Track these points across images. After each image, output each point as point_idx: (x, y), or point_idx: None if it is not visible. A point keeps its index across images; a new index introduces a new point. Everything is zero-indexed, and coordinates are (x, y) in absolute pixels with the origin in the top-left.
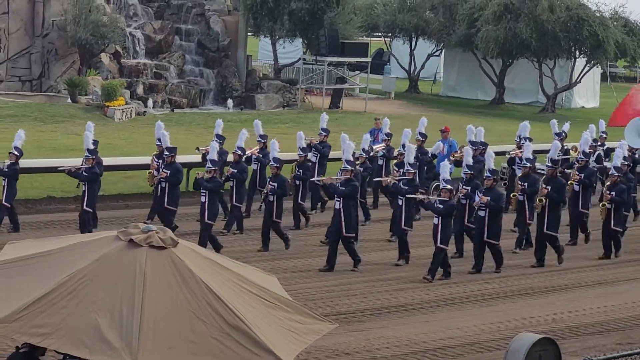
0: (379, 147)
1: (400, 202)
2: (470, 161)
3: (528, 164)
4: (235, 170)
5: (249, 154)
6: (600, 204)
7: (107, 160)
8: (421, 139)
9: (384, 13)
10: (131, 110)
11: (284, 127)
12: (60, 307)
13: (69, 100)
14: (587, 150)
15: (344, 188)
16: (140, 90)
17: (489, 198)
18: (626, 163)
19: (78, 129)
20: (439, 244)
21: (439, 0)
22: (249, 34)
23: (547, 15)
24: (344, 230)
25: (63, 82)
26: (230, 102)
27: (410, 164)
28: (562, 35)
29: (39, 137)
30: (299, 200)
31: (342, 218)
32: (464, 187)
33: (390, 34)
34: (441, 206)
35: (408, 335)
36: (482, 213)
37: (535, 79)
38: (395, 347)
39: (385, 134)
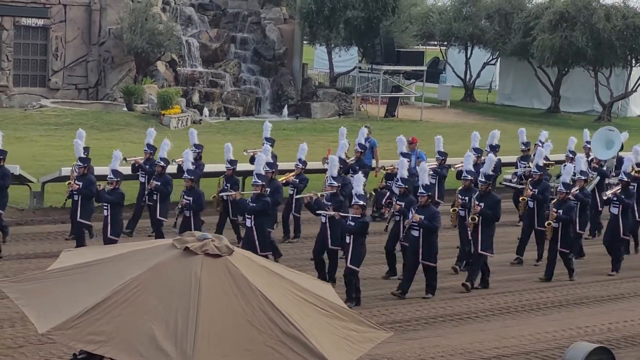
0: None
1: (323, 219)
2: (406, 174)
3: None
4: (159, 183)
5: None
6: (546, 223)
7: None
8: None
9: (440, 21)
10: (187, 119)
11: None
12: (116, 315)
13: (125, 108)
14: (541, 164)
15: (254, 204)
16: (196, 98)
17: (422, 217)
18: (583, 178)
19: (134, 137)
20: (348, 264)
21: (494, 8)
22: (304, 42)
23: (603, 24)
24: (258, 249)
25: (119, 90)
26: (285, 110)
27: (333, 178)
28: (618, 44)
29: (95, 145)
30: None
31: (255, 237)
32: (397, 202)
33: (445, 43)
34: (352, 223)
35: (463, 344)
36: (415, 233)
37: (590, 88)
38: (450, 356)
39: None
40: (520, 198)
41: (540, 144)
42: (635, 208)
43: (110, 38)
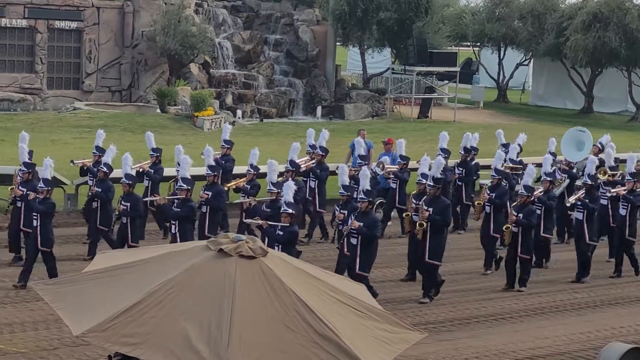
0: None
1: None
2: (347, 181)
3: (549, 178)
4: (100, 190)
5: (138, 169)
6: (504, 227)
7: (194, 170)
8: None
9: (473, 22)
10: (220, 120)
11: (372, 136)
12: (150, 316)
13: (158, 111)
14: (500, 168)
15: (179, 209)
16: (229, 100)
17: (361, 224)
18: (549, 179)
19: (167, 139)
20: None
21: (527, 9)
22: (337, 43)
23: (637, 24)
24: None
25: (152, 93)
26: (319, 111)
27: (272, 184)
28: None
29: (128, 147)
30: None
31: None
32: (340, 211)
33: (478, 44)
34: (281, 233)
35: (497, 345)
36: (354, 241)
37: (624, 88)
38: (485, 356)
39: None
40: (476, 202)
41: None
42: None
43: (144, 40)
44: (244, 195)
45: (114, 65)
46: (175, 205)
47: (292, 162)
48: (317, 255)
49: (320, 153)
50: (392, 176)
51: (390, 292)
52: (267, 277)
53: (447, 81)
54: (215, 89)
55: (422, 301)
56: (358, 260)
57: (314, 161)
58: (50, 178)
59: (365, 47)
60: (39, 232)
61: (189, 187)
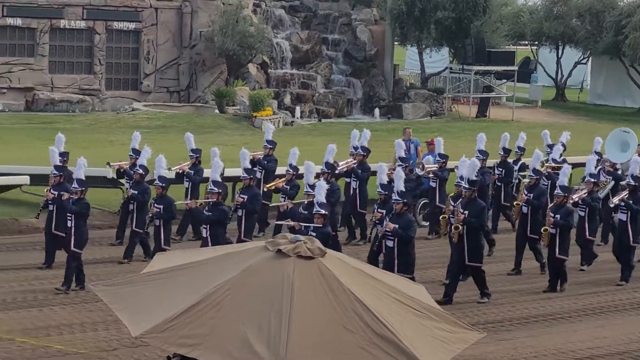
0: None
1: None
2: (385, 180)
3: (592, 179)
4: (136, 192)
5: (178, 170)
6: (542, 229)
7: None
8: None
9: (530, 21)
10: (279, 121)
11: (432, 136)
12: (208, 317)
13: (217, 111)
14: (538, 167)
15: (210, 213)
16: (287, 100)
17: (396, 226)
18: (592, 181)
19: (226, 140)
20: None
21: (585, 7)
22: (395, 43)
23: None
24: None
25: (211, 93)
26: (377, 111)
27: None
28: None
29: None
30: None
31: None
32: (378, 210)
33: (536, 42)
34: (314, 234)
35: (556, 345)
36: (390, 243)
37: None
38: (543, 356)
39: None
40: (515, 203)
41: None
42: None
43: (202, 41)
44: (283, 196)
45: (172, 65)
46: (207, 208)
47: (327, 164)
48: (362, 257)
49: (362, 153)
50: (431, 175)
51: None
52: (326, 278)
53: (505, 80)
54: (273, 89)
55: (480, 301)
56: (396, 262)
57: (355, 161)
58: (83, 178)
59: (423, 46)
60: (72, 233)
61: (220, 191)
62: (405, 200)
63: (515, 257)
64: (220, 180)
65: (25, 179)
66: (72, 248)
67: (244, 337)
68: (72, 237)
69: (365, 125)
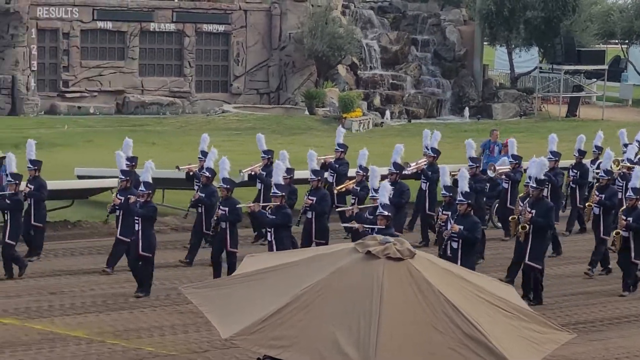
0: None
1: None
2: (448, 182)
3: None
4: (203, 195)
5: (250, 172)
6: (614, 232)
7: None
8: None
9: (621, 20)
10: (368, 122)
11: (520, 136)
12: (298, 319)
13: (307, 112)
14: (609, 168)
15: (274, 217)
16: (377, 101)
17: (461, 227)
18: None
19: (316, 141)
20: None
21: None
22: (484, 43)
23: None
24: None
25: (300, 95)
26: (467, 111)
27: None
28: None
29: (277, 149)
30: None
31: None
32: (443, 212)
33: (627, 41)
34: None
35: None
36: (455, 244)
37: None
38: (635, 357)
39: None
40: (587, 204)
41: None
42: None
43: (291, 42)
44: (354, 197)
45: (262, 67)
46: (270, 212)
47: (395, 164)
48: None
49: (432, 154)
50: (503, 177)
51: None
52: (415, 279)
53: (595, 79)
54: (363, 90)
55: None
56: (459, 263)
57: (425, 162)
58: (150, 181)
59: (513, 46)
60: (140, 236)
61: (284, 194)
62: (469, 202)
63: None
64: (282, 183)
65: (116, 182)
66: (141, 252)
67: (333, 338)
68: (140, 241)
69: (455, 126)
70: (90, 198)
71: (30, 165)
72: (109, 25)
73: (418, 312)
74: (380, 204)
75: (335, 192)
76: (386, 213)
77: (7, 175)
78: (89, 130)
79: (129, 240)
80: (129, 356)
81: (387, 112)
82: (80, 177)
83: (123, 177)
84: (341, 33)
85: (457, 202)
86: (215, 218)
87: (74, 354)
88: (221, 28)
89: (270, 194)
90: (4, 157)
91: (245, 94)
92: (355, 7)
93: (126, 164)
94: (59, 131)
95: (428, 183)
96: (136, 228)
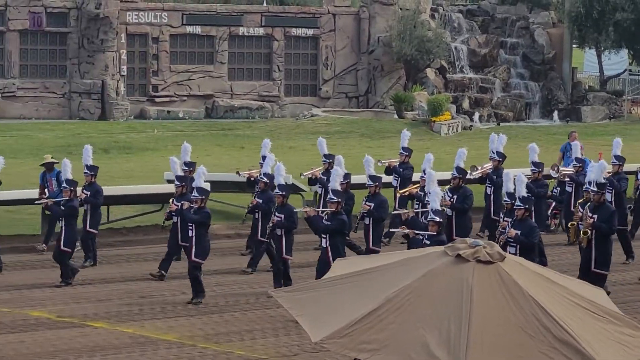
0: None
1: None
2: (511, 188)
3: None
4: (261, 200)
5: (310, 175)
6: None
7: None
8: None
9: None
10: (457, 125)
11: (609, 139)
12: (388, 322)
13: (395, 116)
14: None
15: (329, 222)
16: (465, 104)
17: (518, 232)
18: None
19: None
20: None
21: None
22: (573, 45)
23: None
24: None
25: (389, 98)
26: (555, 114)
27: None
28: None
29: (365, 152)
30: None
31: (330, 259)
32: (504, 219)
33: None
34: (428, 242)
35: None
36: (512, 250)
37: None
38: None
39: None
40: None
41: None
42: None
43: (380, 46)
44: (417, 202)
45: (351, 71)
46: (325, 218)
47: (458, 169)
48: None
49: (497, 158)
50: (567, 179)
51: (629, 295)
52: (505, 282)
53: None
54: (451, 94)
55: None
56: None
57: (491, 166)
58: (203, 186)
59: (602, 48)
60: (194, 243)
61: (339, 200)
62: (527, 206)
63: None
64: (339, 189)
65: (206, 186)
66: (194, 258)
67: (423, 342)
68: (194, 248)
69: (544, 129)
70: None
71: (87, 171)
72: (197, 29)
73: (508, 315)
74: (432, 209)
75: (398, 195)
76: (437, 219)
77: (55, 179)
78: (178, 135)
79: (266, 239)
80: None
81: (476, 115)
82: (169, 182)
83: (178, 183)
84: (430, 36)
85: (514, 206)
86: (271, 225)
87: (165, 358)
88: (310, 32)
89: (327, 200)
90: (53, 163)
91: (334, 97)
92: (443, 10)
93: (183, 169)
94: (148, 135)
95: (493, 187)
96: (190, 234)
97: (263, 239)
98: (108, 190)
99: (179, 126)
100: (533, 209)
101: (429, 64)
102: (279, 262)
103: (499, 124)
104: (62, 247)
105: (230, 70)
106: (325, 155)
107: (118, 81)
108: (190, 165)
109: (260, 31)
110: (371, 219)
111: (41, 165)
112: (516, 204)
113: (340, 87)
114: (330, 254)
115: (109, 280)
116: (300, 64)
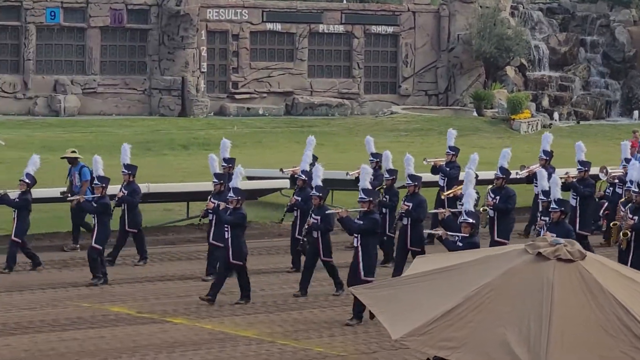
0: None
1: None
2: (546, 186)
3: None
4: (299, 199)
5: (351, 175)
6: None
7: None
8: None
9: None
10: (537, 123)
11: None
12: (468, 320)
13: (475, 114)
14: None
15: (361, 222)
16: (545, 102)
17: (553, 235)
18: None
19: (484, 142)
20: None
21: None
22: None
23: None
24: (361, 274)
25: (469, 96)
26: (636, 113)
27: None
28: None
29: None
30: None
31: (360, 259)
32: (541, 218)
33: None
34: (460, 244)
35: None
36: None
37: None
38: None
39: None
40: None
41: None
42: None
43: (459, 44)
44: (461, 203)
45: (430, 69)
46: (357, 217)
47: (501, 169)
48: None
49: (544, 157)
50: (616, 181)
51: None
52: (586, 281)
53: None
54: (531, 92)
55: None
56: None
57: (538, 166)
58: (239, 187)
59: None
60: (230, 244)
61: (371, 199)
62: (562, 209)
63: None
64: (370, 187)
65: (285, 183)
66: (231, 260)
67: (503, 340)
68: (230, 249)
69: (625, 127)
70: (260, 199)
71: (125, 170)
72: (278, 26)
73: (589, 314)
74: (465, 211)
75: (443, 196)
76: (470, 220)
77: (78, 173)
78: (257, 131)
79: (222, 245)
80: (298, 357)
81: (556, 114)
82: (249, 178)
83: (217, 181)
84: (509, 34)
85: (550, 209)
86: (307, 226)
87: (244, 354)
88: (390, 29)
89: (357, 200)
90: (77, 158)
91: (413, 95)
92: (523, 8)
93: (223, 166)
94: (228, 132)
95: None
96: (226, 236)
97: (299, 237)
98: (187, 186)
99: (259, 123)
100: (578, 208)
101: (509, 62)
102: (313, 263)
103: (578, 122)
104: (93, 244)
105: (310, 67)
106: (372, 154)
107: (198, 78)
108: (230, 162)
109: (340, 28)
110: (409, 219)
111: (62, 158)
112: (552, 206)
113: (419, 85)
114: (361, 254)
115: (188, 277)
116: (379, 62)
